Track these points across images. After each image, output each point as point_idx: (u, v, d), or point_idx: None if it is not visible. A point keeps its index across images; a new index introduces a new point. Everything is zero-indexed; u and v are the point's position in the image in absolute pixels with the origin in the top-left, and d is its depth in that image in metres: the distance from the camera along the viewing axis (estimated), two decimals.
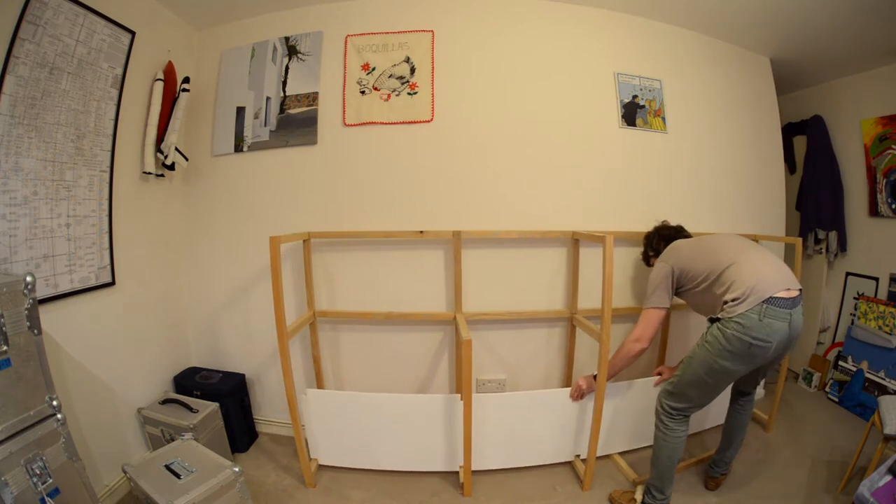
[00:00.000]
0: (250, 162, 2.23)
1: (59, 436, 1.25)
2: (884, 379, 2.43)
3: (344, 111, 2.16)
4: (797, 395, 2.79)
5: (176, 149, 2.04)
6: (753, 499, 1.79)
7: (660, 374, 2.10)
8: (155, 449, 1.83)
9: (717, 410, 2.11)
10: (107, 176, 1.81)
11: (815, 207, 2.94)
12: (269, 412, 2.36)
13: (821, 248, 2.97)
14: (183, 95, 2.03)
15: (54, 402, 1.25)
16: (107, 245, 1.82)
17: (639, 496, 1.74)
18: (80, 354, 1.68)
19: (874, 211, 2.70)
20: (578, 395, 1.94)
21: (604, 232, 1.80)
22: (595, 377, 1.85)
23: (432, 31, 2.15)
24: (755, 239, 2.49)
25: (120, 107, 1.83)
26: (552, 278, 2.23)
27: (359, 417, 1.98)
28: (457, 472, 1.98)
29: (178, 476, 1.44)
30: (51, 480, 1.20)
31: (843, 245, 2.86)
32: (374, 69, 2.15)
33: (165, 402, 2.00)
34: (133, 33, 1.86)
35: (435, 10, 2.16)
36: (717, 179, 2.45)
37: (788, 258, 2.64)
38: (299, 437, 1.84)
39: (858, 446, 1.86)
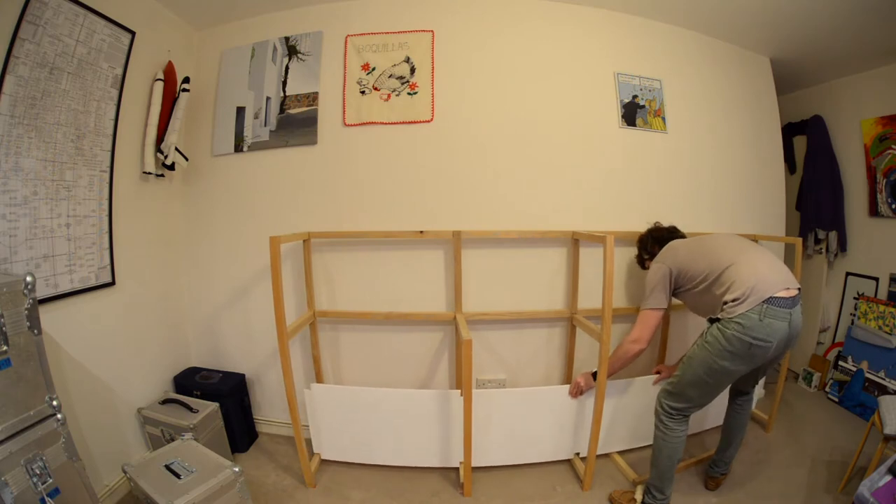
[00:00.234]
0: (250, 162, 2.23)
1: (59, 436, 1.25)
2: (884, 379, 2.43)
3: (344, 111, 2.16)
4: (797, 395, 2.79)
5: (176, 149, 2.04)
6: (753, 499, 1.79)
7: (658, 372, 2.10)
8: (155, 449, 1.83)
9: (716, 410, 2.11)
10: (107, 176, 1.81)
11: (815, 207, 2.94)
12: (269, 412, 2.36)
13: (821, 248, 2.97)
14: (183, 95, 2.03)
15: (54, 402, 1.25)
16: (107, 245, 1.82)
17: (639, 496, 1.75)
18: (80, 354, 1.68)
19: (874, 211, 2.70)
20: (577, 393, 1.95)
21: (604, 232, 1.80)
22: (594, 375, 1.86)
23: (432, 31, 2.15)
24: (755, 239, 2.49)
25: (120, 107, 1.84)
26: (552, 278, 2.23)
27: (361, 413, 1.99)
28: (457, 469, 1.98)
29: (178, 476, 1.44)
30: (51, 480, 1.20)
31: (843, 245, 2.86)
32: (374, 69, 2.15)
33: (165, 402, 2.00)
34: (133, 33, 1.86)
35: (435, 10, 2.17)
36: (717, 179, 2.45)
37: (788, 258, 2.65)
38: (299, 437, 1.84)
39: (858, 446, 1.86)
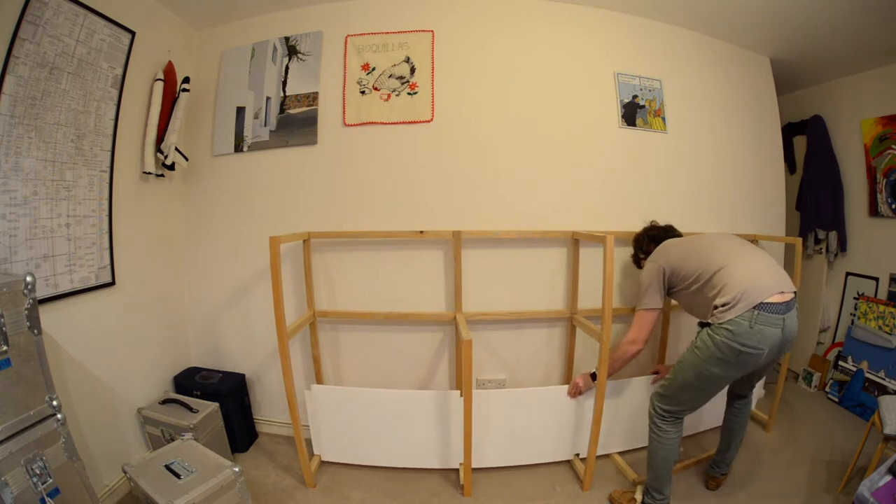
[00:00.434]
0: (250, 162, 2.23)
1: (59, 436, 1.25)
2: (884, 379, 2.43)
3: (344, 111, 2.16)
4: (797, 395, 2.79)
5: (176, 149, 2.04)
6: (753, 499, 1.79)
7: (656, 372, 2.10)
8: (155, 449, 1.83)
9: (713, 412, 2.11)
10: (107, 176, 1.81)
11: (815, 207, 2.94)
12: (269, 412, 2.36)
13: (821, 248, 2.97)
14: (183, 95, 2.03)
15: (54, 402, 1.25)
16: (107, 245, 1.82)
17: (639, 496, 1.75)
18: (80, 354, 1.68)
19: (874, 211, 2.70)
20: (576, 393, 1.95)
21: (604, 232, 1.80)
22: (592, 375, 1.86)
23: (432, 31, 2.15)
24: (755, 239, 2.49)
25: (120, 107, 1.84)
26: (552, 278, 2.23)
27: (361, 413, 1.99)
28: (457, 470, 1.98)
29: (178, 476, 1.44)
30: (51, 480, 1.20)
31: (843, 245, 2.86)
32: (374, 69, 2.15)
33: (165, 402, 2.00)
34: (133, 33, 1.86)
35: (435, 10, 2.17)
36: (717, 179, 2.45)
37: (788, 258, 2.65)
38: (299, 437, 1.84)
39: (858, 446, 1.86)
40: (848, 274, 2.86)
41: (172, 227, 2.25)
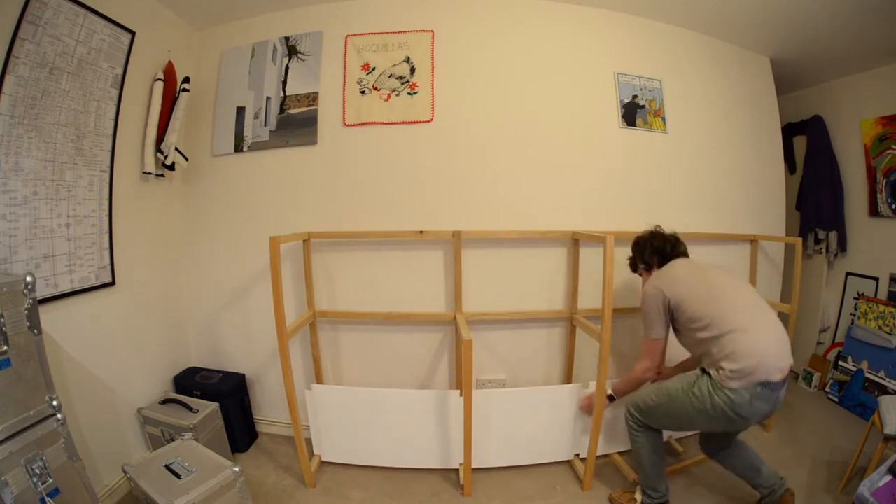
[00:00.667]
0: (250, 162, 2.23)
1: (59, 436, 1.25)
2: (884, 379, 2.43)
3: (344, 111, 2.16)
4: (797, 395, 2.79)
5: (176, 149, 2.04)
6: (754, 498, 1.79)
7: (659, 373, 2.10)
8: (155, 449, 1.83)
9: None
10: (107, 176, 1.81)
11: (815, 207, 2.94)
12: (269, 412, 2.36)
13: (821, 248, 2.97)
14: (183, 95, 2.03)
15: (54, 402, 1.25)
16: (107, 245, 1.82)
17: (638, 496, 1.75)
18: (80, 354, 1.68)
19: (874, 211, 2.70)
20: (590, 409, 1.93)
21: (604, 232, 1.80)
22: (610, 398, 1.84)
23: (432, 31, 2.15)
24: (755, 239, 2.50)
25: (120, 107, 1.84)
26: (552, 278, 2.23)
27: (362, 413, 1.99)
28: (457, 470, 1.98)
29: (178, 476, 1.44)
30: (51, 480, 1.20)
31: (843, 245, 2.86)
32: (374, 69, 2.15)
33: (165, 402, 2.00)
34: (133, 33, 1.86)
35: (435, 10, 2.17)
36: (717, 179, 2.45)
37: (788, 258, 2.65)
38: (299, 437, 1.84)
39: (858, 446, 1.87)
40: (848, 274, 2.86)
41: (172, 227, 2.25)
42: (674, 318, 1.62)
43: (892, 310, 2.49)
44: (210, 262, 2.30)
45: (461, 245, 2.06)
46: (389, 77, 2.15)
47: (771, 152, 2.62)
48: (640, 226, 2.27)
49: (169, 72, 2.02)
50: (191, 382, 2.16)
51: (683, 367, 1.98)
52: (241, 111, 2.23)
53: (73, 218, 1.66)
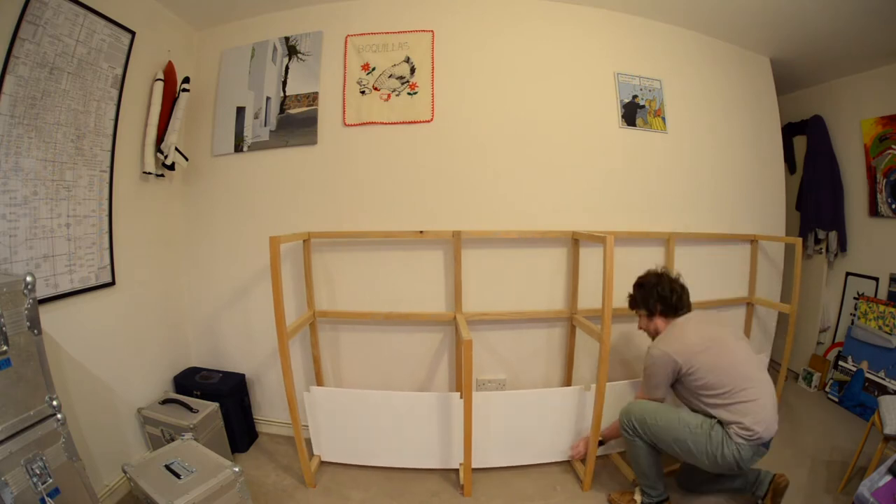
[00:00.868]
0: (250, 162, 2.23)
1: (59, 436, 1.25)
2: (884, 379, 2.43)
3: (344, 111, 2.16)
4: (797, 395, 2.79)
5: (176, 149, 2.03)
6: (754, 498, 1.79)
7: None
8: (155, 449, 1.83)
9: None
10: (107, 176, 1.81)
11: (815, 207, 2.94)
12: (269, 412, 2.36)
13: (821, 248, 2.97)
14: (183, 95, 2.03)
15: (54, 402, 1.25)
16: (107, 245, 1.82)
17: (638, 497, 1.75)
18: (80, 354, 1.68)
19: (874, 211, 2.70)
20: (579, 455, 1.97)
21: (604, 232, 1.81)
22: (600, 443, 1.87)
23: (432, 31, 2.15)
24: (755, 239, 2.50)
25: (120, 107, 1.83)
26: (552, 278, 2.23)
27: (361, 414, 1.99)
28: (456, 470, 1.98)
29: (178, 476, 1.44)
30: (51, 480, 1.20)
31: (843, 245, 2.86)
32: (374, 69, 2.15)
33: (165, 402, 2.00)
34: (133, 33, 1.86)
35: (435, 10, 2.17)
36: (717, 179, 2.45)
37: (788, 258, 2.65)
38: (299, 437, 1.84)
39: (858, 446, 1.87)
40: (848, 274, 2.86)
41: (172, 227, 2.25)
42: (680, 379, 1.63)
43: (892, 310, 2.49)
44: (210, 262, 2.30)
45: (461, 245, 2.06)
46: (389, 77, 2.15)
47: (771, 152, 2.62)
48: (641, 226, 2.29)
49: (169, 72, 2.02)
50: (191, 382, 2.16)
51: None
52: (241, 111, 2.23)
53: (73, 218, 1.66)
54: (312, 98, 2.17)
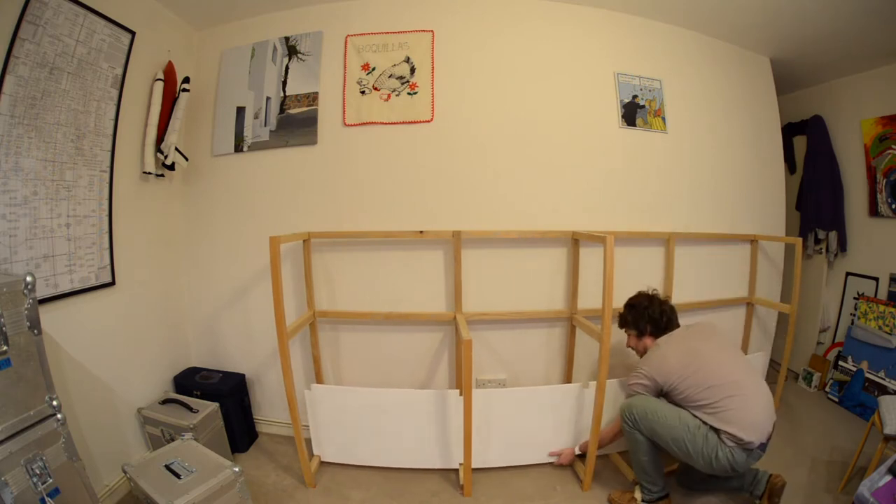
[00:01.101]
0: (250, 162, 2.23)
1: (59, 436, 1.25)
2: (884, 379, 2.43)
3: (344, 111, 2.16)
4: (797, 395, 2.79)
5: (176, 149, 2.03)
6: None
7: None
8: (155, 449, 1.83)
9: None
10: (107, 176, 1.81)
11: (815, 207, 2.94)
12: (269, 412, 2.36)
13: (821, 248, 2.97)
14: (183, 95, 2.03)
15: (54, 402, 1.25)
16: (107, 245, 1.82)
17: (638, 496, 1.75)
18: (80, 354, 1.68)
19: (874, 211, 2.70)
20: (569, 461, 2.00)
21: (604, 232, 1.81)
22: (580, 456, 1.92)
23: (432, 31, 2.15)
24: (755, 239, 2.50)
25: (120, 107, 1.83)
26: (552, 278, 2.23)
27: (361, 413, 1.99)
28: (456, 470, 1.98)
29: (178, 476, 1.44)
30: (51, 480, 1.20)
31: (843, 245, 2.86)
32: (374, 69, 2.15)
33: (165, 402, 2.00)
34: (133, 33, 1.86)
35: (435, 10, 2.17)
36: (717, 179, 2.45)
37: (788, 258, 2.65)
38: (299, 437, 1.84)
39: (858, 446, 1.87)
40: (848, 274, 2.86)
41: (172, 227, 2.25)
42: (665, 393, 1.71)
43: (892, 310, 2.49)
44: (210, 262, 2.30)
45: (461, 245, 2.06)
46: (389, 77, 2.15)
47: (771, 152, 2.62)
48: (641, 226, 2.29)
49: (169, 72, 2.02)
50: (191, 382, 2.16)
51: None
52: (241, 111, 2.23)
53: (73, 218, 1.66)
54: (312, 98, 2.17)
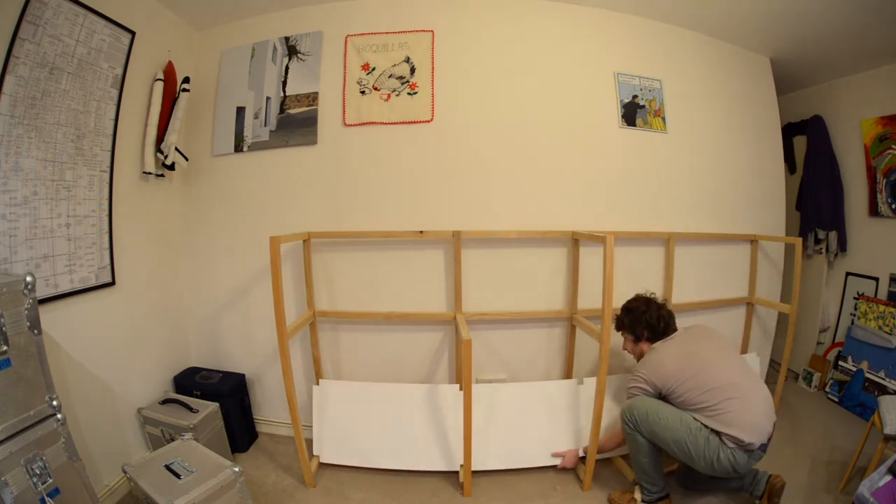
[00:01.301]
0: (250, 162, 2.23)
1: (59, 436, 1.25)
2: (884, 379, 2.43)
3: (344, 111, 2.16)
4: (797, 395, 2.79)
5: (176, 149, 2.03)
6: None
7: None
8: (155, 449, 1.83)
9: None
10: (107, 176, 1.81)
11: (815, 207, 2.94)
12: (269, 412, 2.36)
13: (821, 248, 2.97)
14: (183, 95, 2.03)
15: (54, 402, 1.25)
16: (107, 245, 1.82)
17: (638, 496, 1.75)
18: (80, 354, 1.68)
19: (874, 211, 2.70)
20: (563, 463, 1.98)
21: (604, 232, 1.81)
22: (582, 459, 1.90)
23: (432, 31, 2.15)
24: (755, 239, 2.50)
25: (120, 107, 1.84)
26: (552, 278, 2.23)
27: (366, 410, 2.00)
28: (457, 472, 1.98)
29: (178, 476, 1.44)
30: (51, 480, 1.20)
31: (843, 245, 2.86)
32: (374, 69, 2.15)
33: (165, 402, 2.00)
34: (133, 33, 1.86)
35: (435, 11, 2.17)
36: (717, 179, 2.45)
37: (788, 258, 2.65)
38: (299, 437, 1.84)
39: (858, 446, 1.87)
40: (848, 274, 2.86)
41: (172, 227, 2.25)
42: (664, 396, 1.70)
43: (892, 310, 2.49)
44: (210, 262, 2.30)
45: (461, 245, 2.06)
46: (389, 77, 2.15)
47: (771, 152, 2.62)
48: (641, 226, 2.29)
49: (169, 72, 2.02)
50: (191, 382, 2.16)
51: None
52: (241, 111, 2.23)
53: (73, 218, 1.66)
54: (312, 98, 2.17)
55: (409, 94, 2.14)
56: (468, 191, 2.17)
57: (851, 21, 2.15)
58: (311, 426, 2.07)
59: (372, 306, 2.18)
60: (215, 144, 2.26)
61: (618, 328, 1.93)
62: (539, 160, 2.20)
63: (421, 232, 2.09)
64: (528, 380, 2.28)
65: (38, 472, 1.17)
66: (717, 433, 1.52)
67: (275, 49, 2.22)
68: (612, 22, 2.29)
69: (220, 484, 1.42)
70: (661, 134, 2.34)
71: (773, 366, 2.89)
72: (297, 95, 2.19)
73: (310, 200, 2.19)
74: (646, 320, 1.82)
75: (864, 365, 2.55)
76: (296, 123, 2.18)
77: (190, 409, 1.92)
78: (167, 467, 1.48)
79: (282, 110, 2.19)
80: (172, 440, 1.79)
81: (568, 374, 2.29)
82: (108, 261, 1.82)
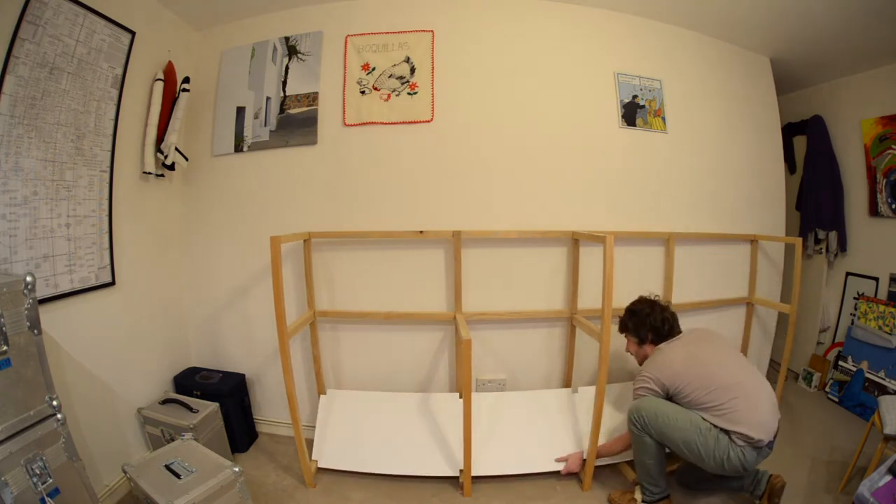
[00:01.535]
0: (250, 162, 2.23)
1: (59, 436, 1.25)
2: (884, 379, 2.43)
3: (344, 111, 2.16)
4: (797, 395, 2.79)
5: (176, 149, 2.03)
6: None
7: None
8: (155, 449, 1.83)
9: None
10: (107, 176, 1.81)
11: (815, 207, 2.94)
12: (269, 412, 2.36)
13: (821, 248, 2.97)
14: (183, 95, 2.03)
15: (54, 402, 1.25)
16: (107, 245, 1.82)
17: (638, 496, 1.75)
18: (80, 354, 1.68)
19: (874, 211, 2.70)
20: (567, 471, 1.95)
21: (604, 232, 1.81)
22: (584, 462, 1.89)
23: (432, 31, 2.15)
24: (755, 239, 2.50)
25: (120, 107, 1.83)
26: (552, 278, 2.23)
27: (368, 418, 2.00)
28: (457, 477, 1.98)
29: (178, 476, 1.44)
30: (51, 480, 1.20)
31: (843, 245, 2.86)
32: (374, 69, 2.15)
33: (165, 402, 2.00)
34: (133, 33, 1.86)
35: (435, 10, 2.17)
36: (717, 179, 2.45)
37: (788, 258, 2.65)
38: (299, 437, 1.84)
39: (858, 446, 1.87)
40: (848, 274, 2.86)
41: (172, 228, 2.25)
42: (671, 396, 1.69)
43: (892, 310, 2.49)
44: (210, 262, 2.30)
45: (461, 245, 2.06)
46: (389, 77, 2.15)
47: (771, 152, 2.62)
48: (641, 226, 2.29)
49: (169, 72, 2.02)
50: (191, 382, 2.16)
51: None
52: (241, 111, 2.23)
53: (73, 218, 1.66)
54: (312, 98, 2.17)
55: (409, 94, 2.15)
56: (468, 191, 2.17)
57: (851, 21, 2.15)
58: (312, 426, 2.07)
59: (372, 306, 2.18)
60: (215, 144, 2.26)
61: (621, 330, 1.93)
62: (539, 160, 2.20)
63: (421, 232, 2.09)
64: (528, 380, 2.29)
65: (38, 472, 1.17)
66: (727, 432, 1.51)
67: (275, 49, 2.22)
68: (613, 22, 2.29)
69: (220, 484, 1.42)
70: (661, 134, 2.34)
71: (773, 366, 2.89)
72: (297, 95, 2.19)
73: (310, 200, 2.19)
74: (650, 323, 1.81)
75: (864, 365, 2.55)
76: (296, 123, 2.18)
77: (190, 409, 1.92)
78: (167, 467, 1.48)
79: (282, 110, 2.19)
80: (172, 440, 1.79)
81: (568, 374, 2.29)
82: (108, 261, 1.82)
